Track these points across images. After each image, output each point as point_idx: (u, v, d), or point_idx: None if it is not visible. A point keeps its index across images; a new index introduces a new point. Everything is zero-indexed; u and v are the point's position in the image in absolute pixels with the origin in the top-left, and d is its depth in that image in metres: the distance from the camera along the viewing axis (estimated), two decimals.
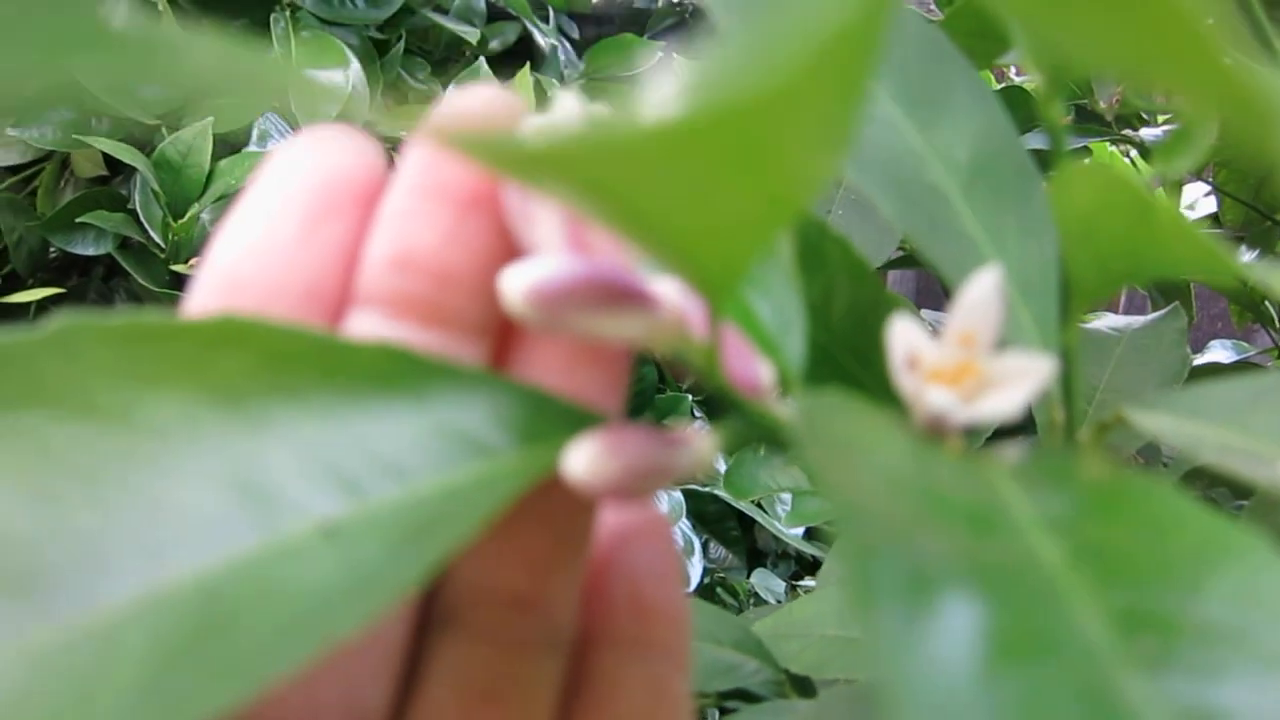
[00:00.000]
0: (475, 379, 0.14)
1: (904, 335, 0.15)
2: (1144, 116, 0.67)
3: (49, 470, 0.11)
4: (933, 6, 0.67)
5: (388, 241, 0.15)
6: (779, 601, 1.00)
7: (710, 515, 1.03)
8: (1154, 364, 0.49)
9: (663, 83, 0.11)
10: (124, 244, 0.79)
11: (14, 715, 0.10)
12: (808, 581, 1.07)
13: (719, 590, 1.01)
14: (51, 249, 0.84)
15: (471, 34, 1.03)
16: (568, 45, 1.22)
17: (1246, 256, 0.66)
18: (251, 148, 0.81)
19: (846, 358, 0.23)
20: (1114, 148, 0.73)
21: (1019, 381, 0.15)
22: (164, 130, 0.78)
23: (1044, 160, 0.22)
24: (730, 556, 1.06)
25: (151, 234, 0.77)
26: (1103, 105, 0.64)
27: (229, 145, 0.81)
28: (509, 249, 0.15)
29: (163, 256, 0.78)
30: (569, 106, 0.13)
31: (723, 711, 0.46)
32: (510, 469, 0.13)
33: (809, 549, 0.94)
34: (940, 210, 0.22)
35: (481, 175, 0.15)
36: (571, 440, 0.13)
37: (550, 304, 0.13)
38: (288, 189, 0.15)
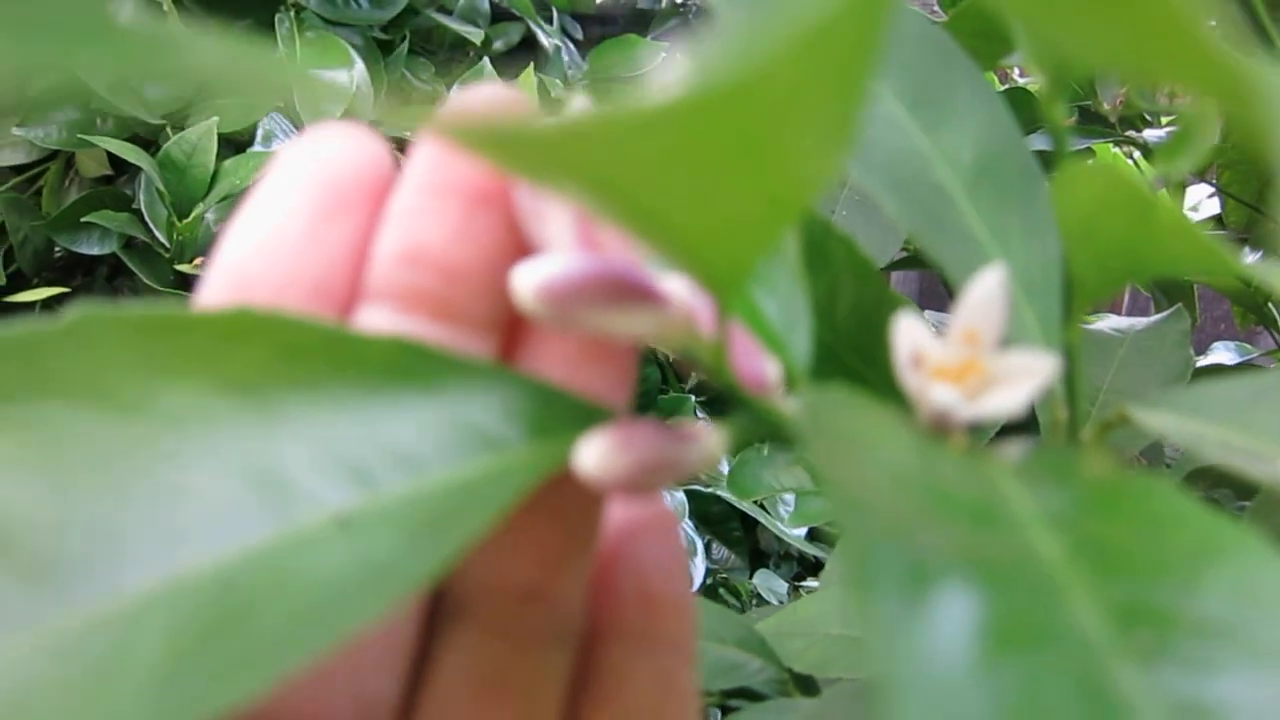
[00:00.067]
0: (486, 373, 0.14)
1: (909, 333, 0.15)
2: (1147, 118, 0.67)
3: (66, 459, 0.11)
4: (936, 8, 0.67)
5: (397, 237, 0.15)
6: (781, 602, 1.00)
7: (713, 516, 1.04)
8: (1157, 365, 0.49)
9: (664, 78, 0.11)
10: (129, 243, 0.79)
11: (33, 702, 0.10)
12: (810, 582, 1.07)
13: (721, 591, 1.01)
14: (56, 248, 0.84)
15: (475, 34, 1.03)
16: (571, 46, 1.22)
17: (1250, 258, 0.67)
18: (256, 148, 0.81)
19: (851, 355, 0.23)
20: (1117, 149, 0.73)
21: (1023, 379, 0.15)
22: (169, 130, 0.79)
23: (1047, 161, 0.23)
24: (733, 557, 1.06)
25: (156, 234, 0.77)
26: (1106, 106, 0.64)
27: (234, 145, 0.81)
28: (517, 245, 0.15)
29: (167, 256, 0.78)
30: (580, 108, 0.14)
31: (726, 710, 0.46)
32: (522, 463, 0.13)
33: (811, 550, 0.95)
34: (945, 210, 0.23)
35: (490, 172, 0.15)
36: (581, 435, 0.13)
37: (562, 301, 0.13)
38: (297, 186, 0.15)
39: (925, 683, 0.08)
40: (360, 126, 0.16)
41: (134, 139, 0.78)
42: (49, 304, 0.79)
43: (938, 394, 0.15)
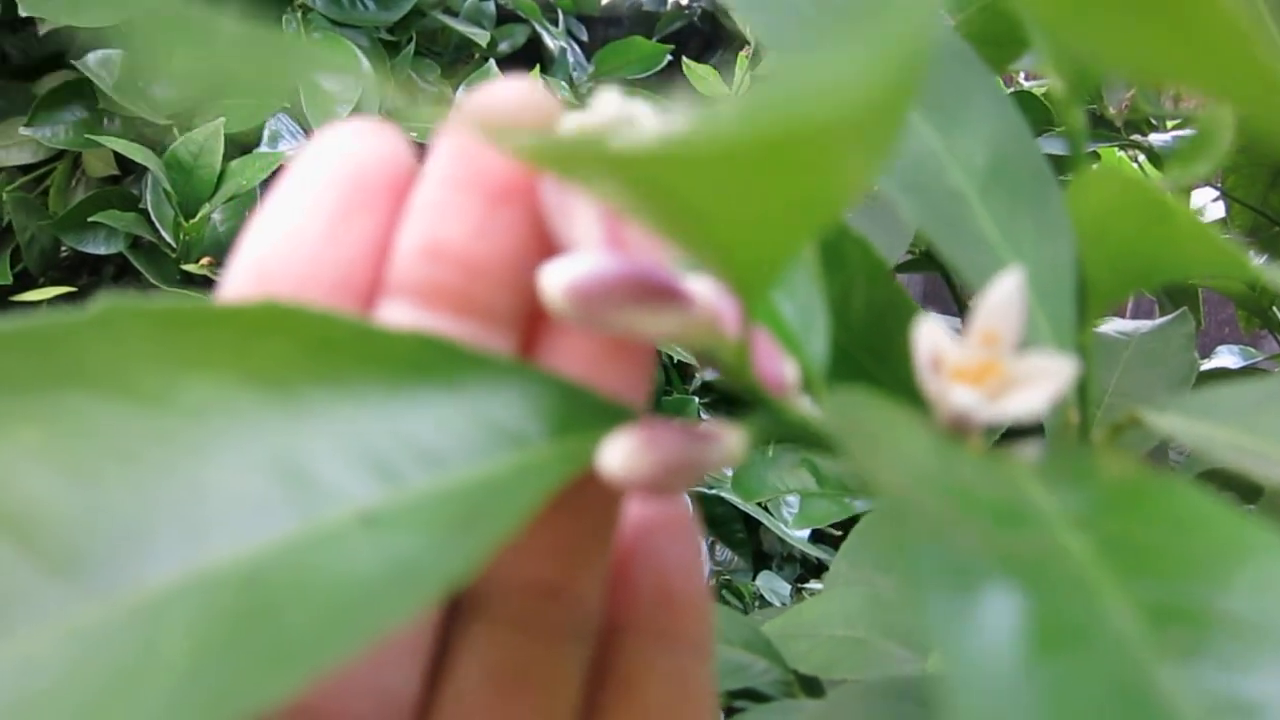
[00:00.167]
0: (509, 369, 0.14)
1: (929, 335, 0.15)
2: (1153, 122, 0.67)
3: (91, 450, 0.11)
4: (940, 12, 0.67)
5: (418, 232, 0.15)
6: (784, 604, 1.00)
7: (716, 517, 1.04)
8: (1162, 368, 0.49)
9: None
10: (135, 243, 0.79)
11: (60, 696, 0.10)
12: (813, 584, 1.07)
13: (724, 592, 1.01)
14: (63, 248, 0.85)
15: (481, 36, 1.04)
16: (576, 47, 1.22)
17: (1255, 261, 0.66)
18: (263, 148, 0.81)
19: (865, 356, 0.23)
20: (1122, 152, 0.73)
21: (1041, 381, 0.15)
22: (175, 131, 0.79)
23: (1058, 164, 0.23)
24: (736, 559, 1.06)
25: (163, 233, 0.77)
26: (1112, 110, 0.64)
27: (240, 146, 0.81)
28: (539, 241, 0.15)
29: (174, 256, 0.78)
30: (610, 104, 0.14)
31: (731, 711, 0.46)
32: (546, 461, 0.13)
33: (814, 552, 0.95)
34: (959, 213, 0.23)
35: (512, 167, 0.15)
36: (604, 434, 0.13)
37: (591, 301, 0.13)
38: (319, 181, 0.15)
39: (978, 682, 0.08)
40: (381, 121, 0.16)
41: (141, 139, 0.78)
42: (55, 303, 0.79)
43: (958, 396, 0.15)
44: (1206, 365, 0.71)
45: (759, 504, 0.87)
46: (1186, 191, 0.61)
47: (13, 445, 0.11)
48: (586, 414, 0.14)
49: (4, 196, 0.82)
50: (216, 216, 0.79)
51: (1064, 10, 0.11)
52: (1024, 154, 0.24)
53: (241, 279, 0.15)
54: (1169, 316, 0.51)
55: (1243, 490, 0.45)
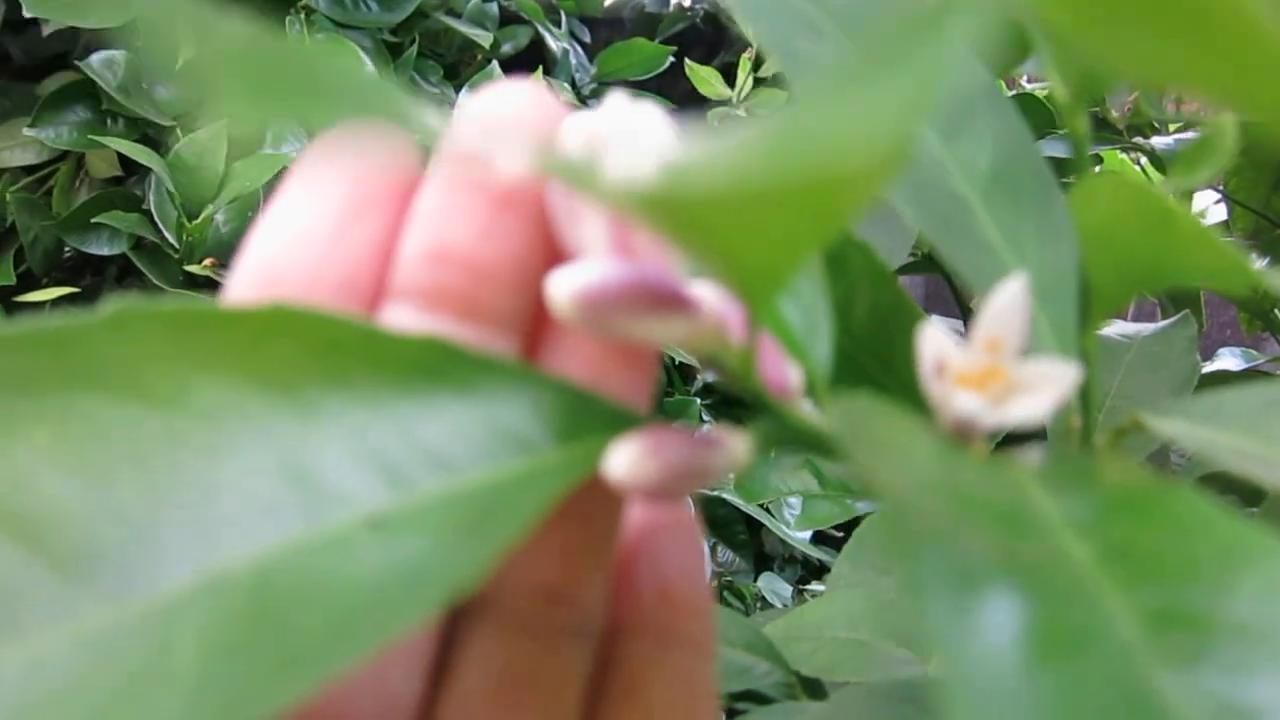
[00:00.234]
0: (516, 374, 0.14)
1: (933, 341, 0.15)
2: (1155, 125, 0.67)
3: (102, 452, 0.11)
4: None
5: (423, 236, 0.15)
6: (786, 606, 1.00)
7: (718, 519, 1.04)
8: (1164, 371, 0.49)
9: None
10: (138, 244, 0.79)
11: (71, 700, 0.10)
12: (815, 586, 1.07)
13: (726, 594, 1.01)
14: (66, 248, 0.85)
15: (484, 38, 1.04)
16: (579, 49, 1.22)
17: (1258, 264, 0.66)
18: (266, 150, 0.81)
19: (868, 361, 0.23)
20: (1125, 155, 0.73)
21: (1044, 387, 0.15)
22: (179, 132, 0.79)
23: (1061, 167, 0.23)
24: (737, 560, 1.06)
25: (166, 234, 0.77)
26: (1115, 113, 0.64)
27: (244, 147, 0.81)
28: (544, 245, 0.15)
29: (177, 257, 0.78)
30: (618, 107, 0.14)
31: (733, 713, 0.46)
32: (552, 466, 0.13)
33: (816, 553, 0.95)
34: (962, 217, 0.23)
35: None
36: (609, 439, 0.13)
37: (599, 308, 0.13)
38: (324, 184, 0.15)
39: (978, 686, 0.08)
40: (385, 126, 0.16)
41: (144, 140, 0.78)
42: (58, 304, 0.79)
43: (962, 401, 0.15)
44: (1208, 367, 0.71)
45: (761, 505, 0.87)
46: (1188, 194, 0.61)
47: (25, 447, 0.11)
48: (592, 419, 0.14)
49: (8, 197, 0.82)
50: (220, 218, 0.79)
51: (1079, 21, 0.11)
52: (1026, 158, 0.24)
53: (247, 280, 0.15)
54: (1171, 319, 0.51)
55: (1245, 495, 0.45)
